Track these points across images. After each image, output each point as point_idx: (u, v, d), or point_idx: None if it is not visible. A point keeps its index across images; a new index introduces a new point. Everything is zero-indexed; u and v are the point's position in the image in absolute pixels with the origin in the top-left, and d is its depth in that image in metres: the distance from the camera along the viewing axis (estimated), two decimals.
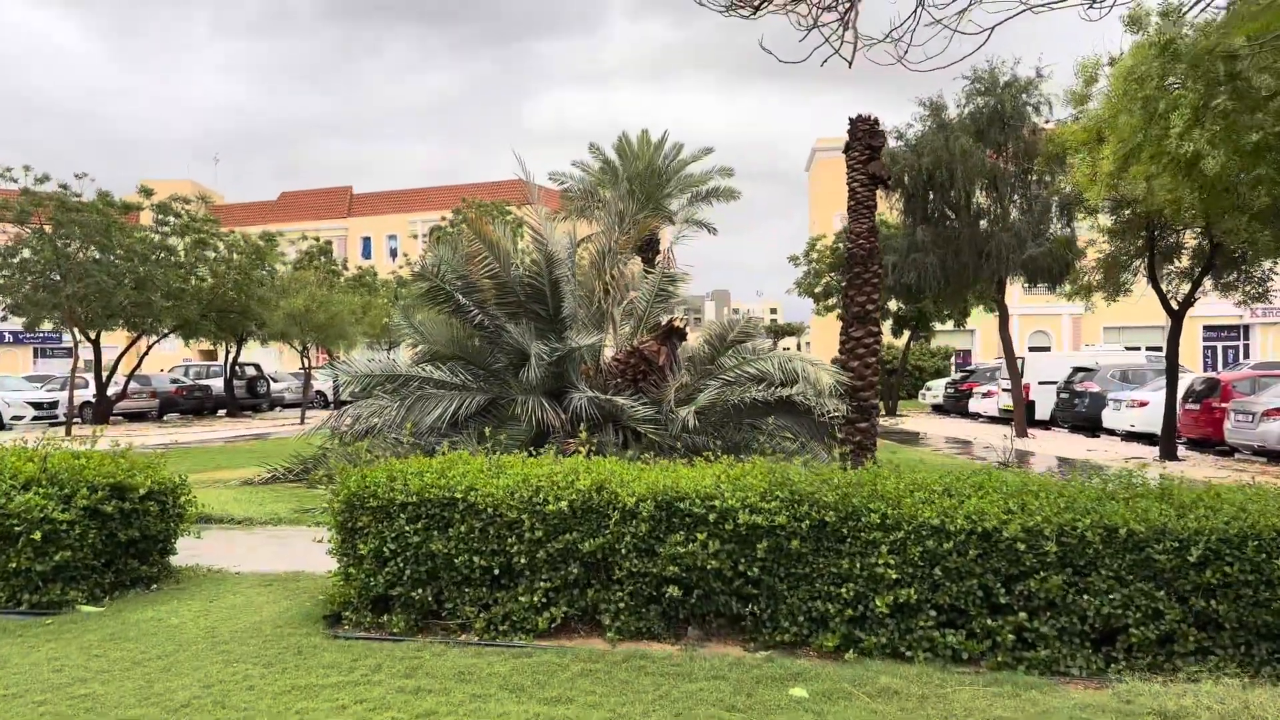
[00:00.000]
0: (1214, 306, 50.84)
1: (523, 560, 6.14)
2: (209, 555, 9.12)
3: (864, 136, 12.80)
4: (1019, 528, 5.65)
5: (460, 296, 13.41)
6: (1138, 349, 34.23)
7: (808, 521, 5.82)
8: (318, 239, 44.35)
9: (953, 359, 48.06)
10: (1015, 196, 21.77)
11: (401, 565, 6.36)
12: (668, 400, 12.43)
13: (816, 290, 31.18)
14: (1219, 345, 51.31)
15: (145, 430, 27.69)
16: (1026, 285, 22.87)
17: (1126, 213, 16.44)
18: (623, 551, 6.00)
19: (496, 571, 6.22)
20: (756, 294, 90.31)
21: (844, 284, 13.07)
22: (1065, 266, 22.55)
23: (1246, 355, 49.80)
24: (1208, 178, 12.19)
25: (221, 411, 34.74)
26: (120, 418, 31.82)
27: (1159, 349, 40.79)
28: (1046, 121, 18.13)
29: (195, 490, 14.31)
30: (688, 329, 13.75)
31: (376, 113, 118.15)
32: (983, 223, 22.50)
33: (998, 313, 23.65)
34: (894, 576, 5.68)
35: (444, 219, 39.08)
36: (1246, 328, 51.99)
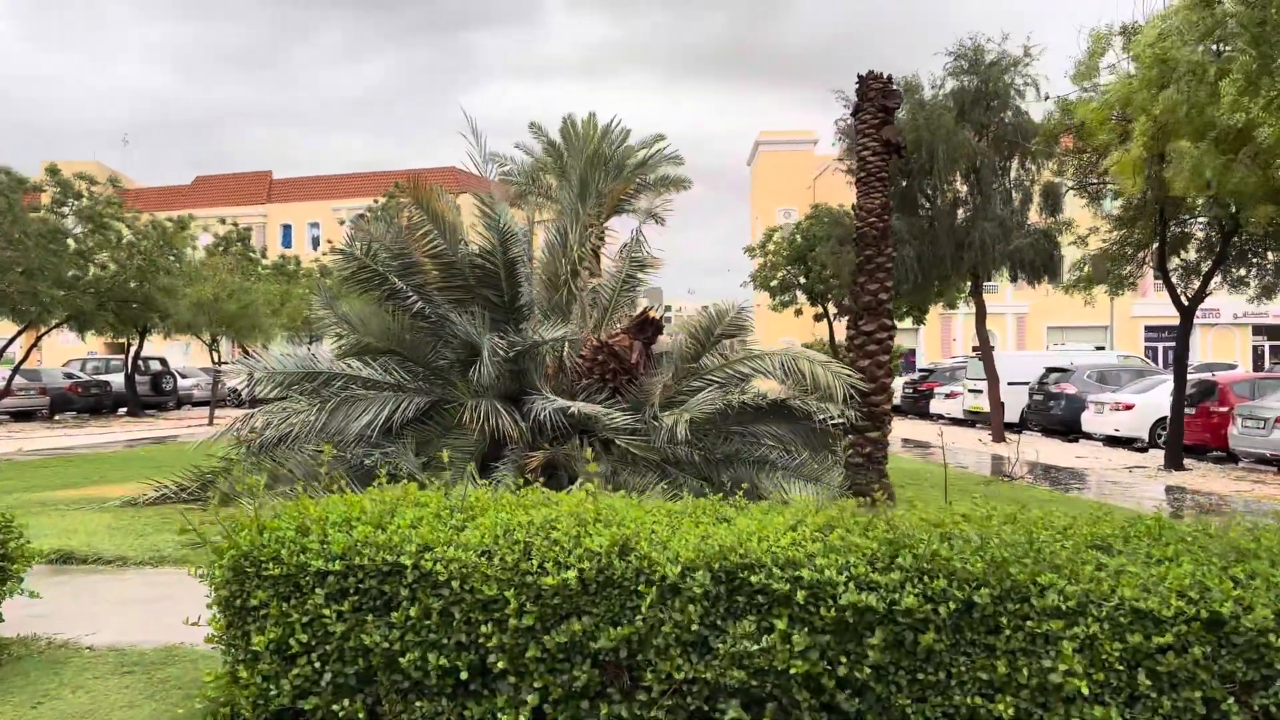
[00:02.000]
0: (1155, 306, 50.86)
1: (505, 659, 4.05)
2: (58, 615, 6.83)
3: (876, 97, 10.93)
4: (1272, 613, 3.74)
5: (396, 279, 11.18)
6: (1102, 348, 33.26)
7: (950, 604, 3.83)
8: (236, 224, 41.30)
9: (902, 358, 46.95)
10: (996, 184, 20.20)
11: (319, 665, 4.23)
12: (650, 405, 10.39)
13: (772, 284, 29.46)
14: (1159, 345, 51.14)
15: (30, 431, 24.67)
16: (1012, 278, 21.36)
17: (1137, 198, 14.90)
18: (660, 647, 3.96)
19: (464, 675, 4.11)
20: (689, 291, 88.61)
21: (854, 269, 11.20)
22: (1048, 259, 21.12)
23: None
24: (1262, 151, 10.61)
25: (122, 410, 31.64)
26: (5, 417, 28.59)
27: (1102, 348, 40.12)
28: (1046, 97, 16.64)
29: (66, 513, 11.90)
30: (661, 319, 11.71)
31: (306, 101, 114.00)
32: (960, 212, 20.90)
33: (974, 308, 22.14)
34: (1080, 687, 3.73)
35: (372, 207, 36.42)
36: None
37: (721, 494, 10.30)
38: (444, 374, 11.39)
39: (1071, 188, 16.28)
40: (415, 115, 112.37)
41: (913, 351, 50.79)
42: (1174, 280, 15.99)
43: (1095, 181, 16.02)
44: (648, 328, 11.56)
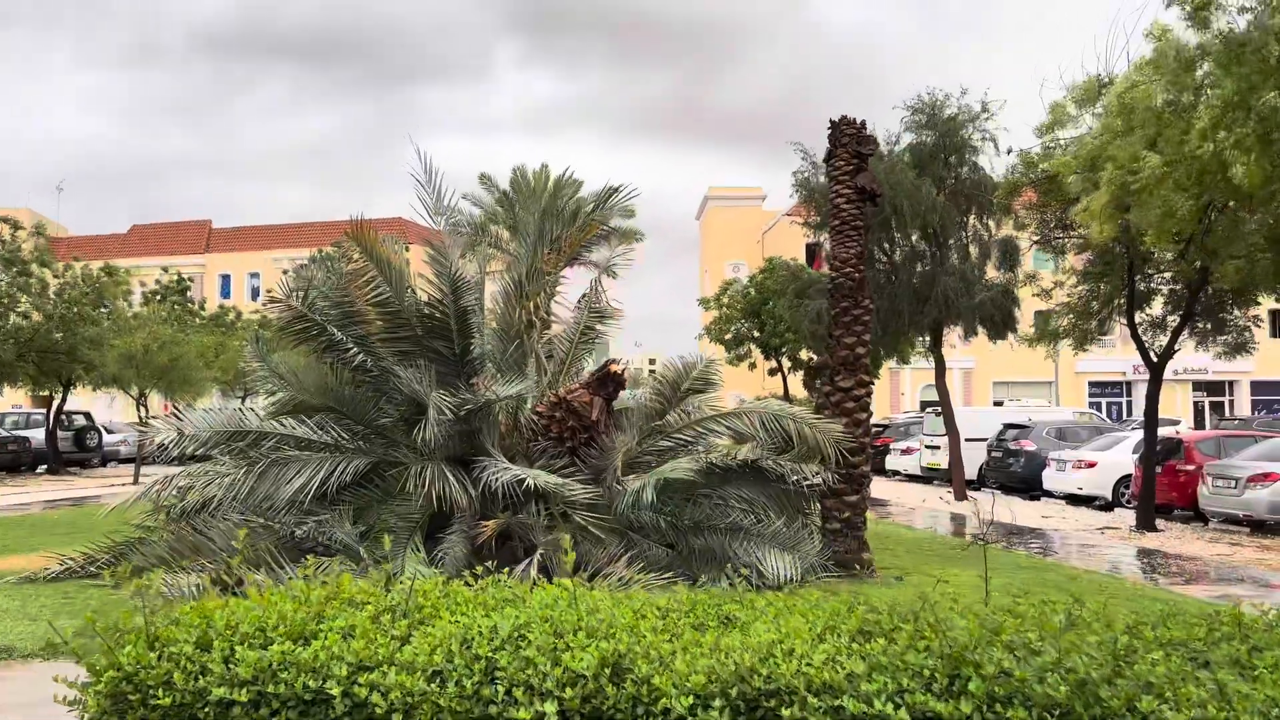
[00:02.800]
0: (1099, 362, 51.43)
1: None
2: None
3: (849, 143, 10.40)
4: None
5: (336, 330, 10.28)
6: (1045, 404, 33.13)
7: None
8: (178, 274, 39.89)
9: None
10: (954, 238, 19.91)
11: None
12: (612, 468, 9.57)
13: (727, 337, 28.89)
14: (1103, 400, 51.64)
15: None
16: (972, 333, 21.00)
17: (1105, 248, 14.59)
18: None
19: None
20: (635, 344, 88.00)
21: (830, 321, 10.55)
22: (1008, 314, 20.83)
23: (1130, 411, 50.17)
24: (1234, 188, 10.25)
25: (42, 468, 29.82)
26: None
27: (1044, 404, 40.17)
28: (1009, 150, 16.40)
29: None
30: (624, 374, 10.94)
31: (247, 153, 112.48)
32: (919, 266, 20.56)
33: (933, 362, 21.73)
34: None
35: (315, 256, 35.28)
36: (1129, 384, 52.56)
37: (689, 563, 9.49)
38: (386, 434, 10.47)
39: (1036, 242, 15.98)
40: (359, 168, 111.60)
41: None
42: (1141, 335, 15.67)
43: (1060, 236, 15.71)
44: (609, 383, 10.79)
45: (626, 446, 9.77)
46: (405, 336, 10.29)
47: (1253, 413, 48.44)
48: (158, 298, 35.21)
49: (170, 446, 10.00)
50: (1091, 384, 52.15)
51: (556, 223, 11.61)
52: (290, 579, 8.95)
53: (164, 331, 25.56)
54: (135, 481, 24.72)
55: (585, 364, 12.54)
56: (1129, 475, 19.60)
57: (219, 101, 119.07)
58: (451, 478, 8.99)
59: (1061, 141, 14.21)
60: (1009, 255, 20.11)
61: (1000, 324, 21.01)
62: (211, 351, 29.26)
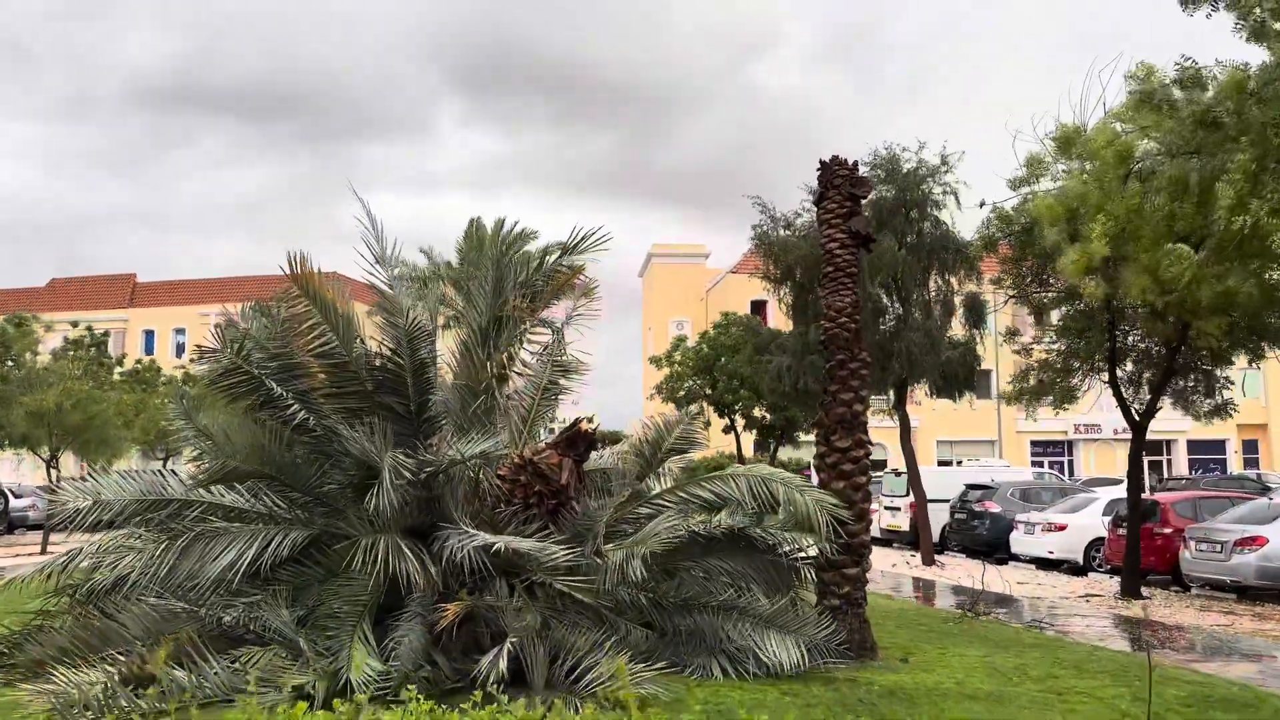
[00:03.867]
0: (1042, 422, 51.66)
1: None
2: None
3: (842, 184, 9.66)
4: None
5: (274, 384, 9.11)
6: (1005, 464, 32.75)
7: None
8: (90, 328, 37.82)
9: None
10: (916, 294, 19.41)
11: None
12: (594, 536, 8.51)
13: (680, 395, 28.02)
14: (1045, 460, 51.82)
15: None
16: (935, 391, 20.42)
17: (1082, 305, 14.09)
18: None
19: None
20: (574, 402, 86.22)
21: (824, 376, 9.70)
22: (970, 372, 20.34)
23: (1072, 470, 50.39)
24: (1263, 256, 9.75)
25: None
26: None
27: (1005, 464, 40.00)
28: (981, 204, 15.95)
29: None
30: (596, 433, 9.94)
31: (181, 208, 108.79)
32: (882, 322, 19.99)
33: (897, 422, 21.08)
34: None
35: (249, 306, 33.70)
36: (1071, 443, 52.97)
37: (674, 648, 8.40)
38: (329, 501, 9.29)
39: (1012, 296, 15.50)
40: (297, 224, 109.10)
41: (809, 466, 50.06)
42: (1119, 394, 15.17)
43: (1038, 291, 15.21)
44: (580, 442, 9.78)
45: (608, 512, 8.72)
46: (353, 391, 9.15)
47: (1190, 472, 49.01)
48: (70, 352, 33.17)
49: (84, 515, 8.67)
50: (1034, 443, 52.37)
51: (520, 270, 10.62)
52: (215, 674, 7.68)
53: (79, 388, 23.79)
54: (43, 551, 22.76)
55: (548, 421, 11.53)
56: (1100, 538, 19.07)
57: (153, 155, 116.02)
58: (409, 552, 7.82)
59: (1039, 193, 13.73)
60: (975, 311, 19.66)
61: (964, 381, 20.50)
62: (131, 410, 27.48)
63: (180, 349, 58.70)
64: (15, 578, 9.31)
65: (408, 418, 9.09)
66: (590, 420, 9.94)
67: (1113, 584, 16.74)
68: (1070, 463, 51.91)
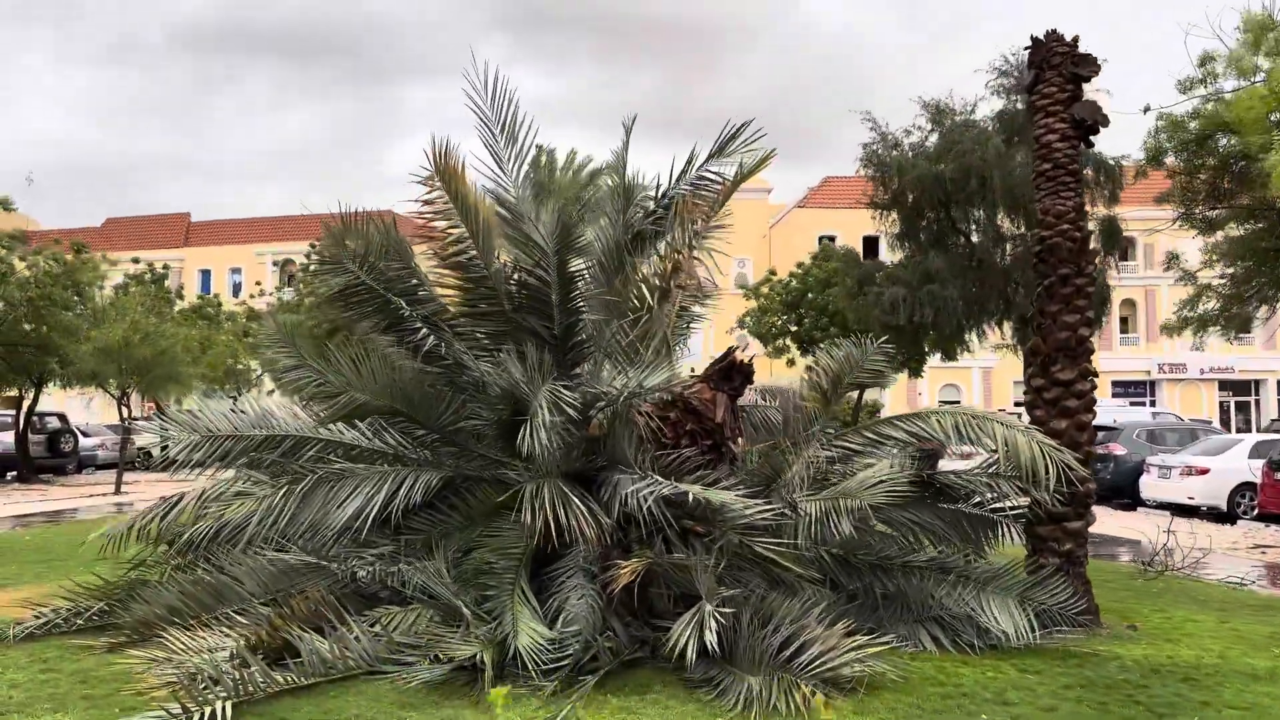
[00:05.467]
0: (1121, 361, 49.57)
1: None
2: None
3: (1062, 64, 8.10)
4: None
5: (402, 303, 7.83)
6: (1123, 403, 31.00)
7: None
8: (151, 265, 37.12)
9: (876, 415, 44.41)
10: None
11: None
12: (787, 484, 7.20)
13: (771, 330, 26.57)
14: (1126, 401, 49.70)
15: None
16: None
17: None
18: None
19: None
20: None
21: (1036, 293, 8.22)
22: (1103, 302, 18.63)
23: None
24: None
25: (11, 475, 27.01)
26: None
27: (1122, 404, 38.07)
28: (1146, 109, 14.10)
29: None
30: (749, 361, 8.59)
31: (227, 152, 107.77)
32: (1007, 248, 18.32)
33: (1021, 356, 19.46)
34: None
35: (310, 253, 32.62)
36: (1154, 383, 50.76)
37: (869, 615, 7.12)
38: (458, 440, 8.06)
39: (1182, 214, 13.77)
40: (341, 167, 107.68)
41: (879, 409, 48.43)
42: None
43: (1213, 207, 13.47)
44: (735, 374, 8.45)
45: (808, 455, 7.41)
46: (491, 312, 7.91)
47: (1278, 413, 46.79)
48: (132, 288, 32.40)
49: (192, 452, 7.55)
50: (1115, 383, 50.19)
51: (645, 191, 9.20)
52: (359, 641, 6.55)
53: (147, 322, 22.89)
54: (117, 491, 22.13)
55: (678, 354, 10.20)
56: (1247, 483, 17.48)
57: (198, 100, 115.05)
58: (575, 500, 6.58)
59: (1227, 92, 11.96)
60: (1110, 237, 17.89)
61: (1097, 313, 18.80)
62: (197, 346, 26.62)
63: (237, 289, 58.18)
64: (112, 524, 8.23)
65: (551, 343, 7.81)
66: (741, 349, 8.61)
67: (1273, 533, 15.22)
68: (1152, 402, 49.72)
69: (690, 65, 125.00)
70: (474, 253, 7.62)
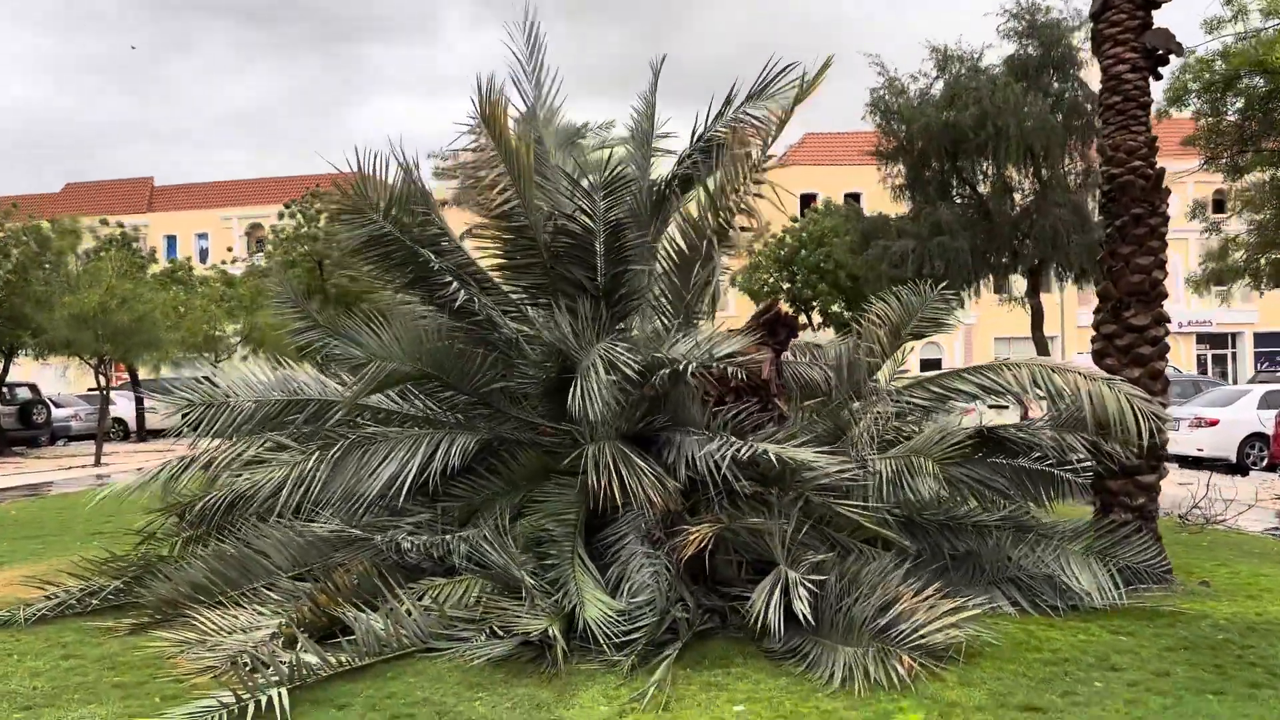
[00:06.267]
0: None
1: None
2: None
3: None
4: None
5: (430, 255, 7.28)
6: None
7: None
8: (120, 225, 36.00)
9: None
10: (1069, 166, 17.28)
11: None
12: (853, 442, 6.78)
13: (763, 288, 26.11)
14: None
15: None
16: (1065, 277, 18.46)
17: None
18: None
19: None
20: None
21: (1105, 233, 7.78)
22: None
23: None
24: None
25: None
26: None
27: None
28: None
29: None
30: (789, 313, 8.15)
31: (187, 116, 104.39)
32: (1017, 197, 17.97)
33: (1029, 311, 19.17)
34: None
35: (286, 213, 31.63)
36: None
37: (937, 576, 6.71)
38: (493, 401, 7.54)
39: (1209, 159, 13.40)
40: (304, 129, 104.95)
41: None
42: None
43: (1240, 152, 13.11)
44: (780, 328, 8.01)
45: (876, 411, 6.98)
46: (530, 263, 7.35)
47: (1256, 365, 47.15)
48: (103, 252, 31.33)
49: (214, 418, 7.01)
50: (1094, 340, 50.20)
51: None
52: (412, 617, 6.07)
53: (122, 287, 22.02)
54: (97, 463, 21.38)
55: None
56: (1256, 434, 17.36)
57: (156, 63, 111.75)
58: (638, 462, 6.10)
59: (1257, 30, 11.54)
60: None
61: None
62: (174, 311, 25.77)
63: (204, 254, 56.79)
64: (124, 487, 7.66)
65: (596, 297, 7.29)
66: (781, 299, 8.13)
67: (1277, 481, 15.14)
68: None
69: (658, 20, 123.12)
70: (517, 201, 7.04)
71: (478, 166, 6.97)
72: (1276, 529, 10.57)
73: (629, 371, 6.24)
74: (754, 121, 8.28)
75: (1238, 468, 17.57)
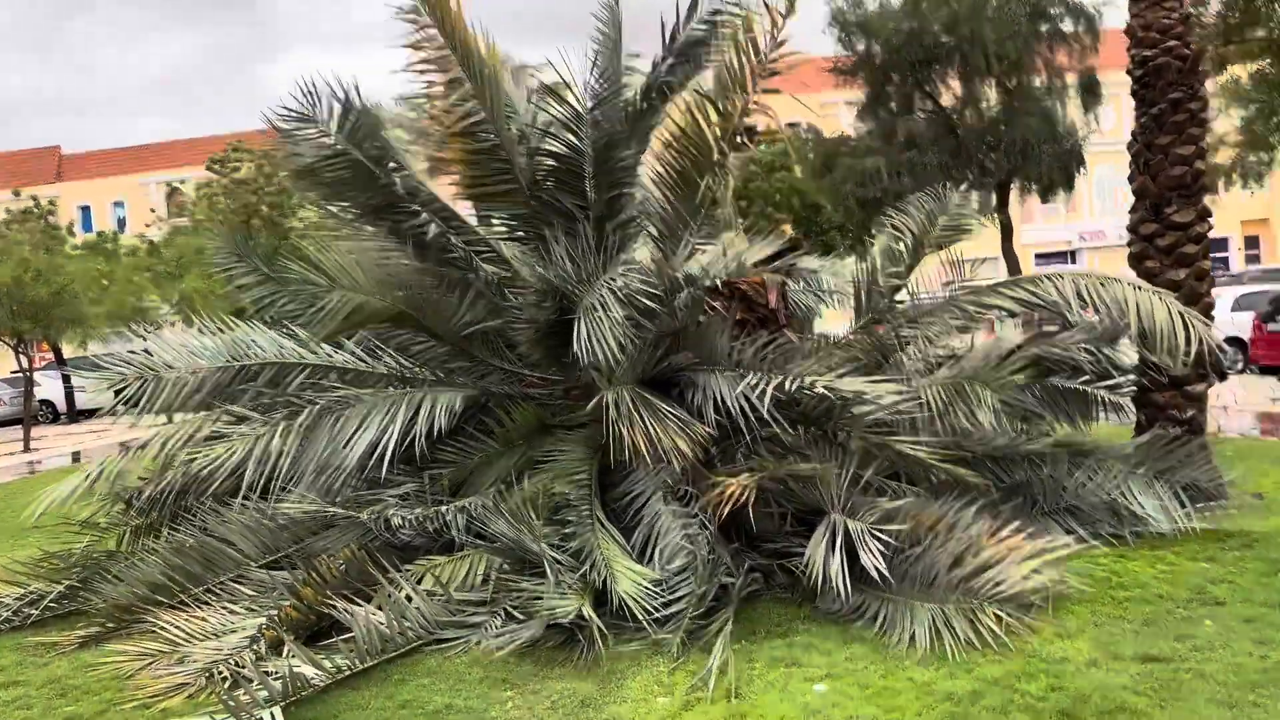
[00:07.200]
0: (1043, 232, 49.95)
1: None
2: None
3: None
4: None
5: (395, 180, 6.34)
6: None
7: None
8: (35, 198, 33.90)
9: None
10: (1040, 75, 16.65)
11: None
12: (897, 369, 6.09)
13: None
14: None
15: None
16: (1029, 190, 17.94)
17: None
18: None
19: None
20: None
21: (1139, 123, 7.06)
22: (1080, 163, 17.91)
23: None
24: None
25: None
26: None
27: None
28: None
29: None
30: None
31: (93, 82, 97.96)
32: (981, 108, 17.32)
33: (999, 227, 18.67)
34: None
35: (216, 167, 29.87)
36: (1075, 253, 51.32)
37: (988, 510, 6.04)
38: (476, 350, 6.68)
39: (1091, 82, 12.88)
40: (221, 89, 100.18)
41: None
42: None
43: (1231, 41, 12.51)
44: (785, 253, 7.28)
45: (924, 335, 6.26)
46: (508, 191, 6.43)
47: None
48: (14, 226, 29.39)
49: (147, 397, 6.06)
50: (1038, 255, 50.50)
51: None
52: (415, 608, 5.24)
53: (38, 259, 20.46)
54: (25, 449, 19.95)
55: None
56: (1233, 337, 17.10)
57: (57, 29, 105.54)
58: (666, 409, 5.31)
59: None
60: (1091, 92, 17.00)
61: (1069, 179, 18.05)
62: (97, 284, 24.17)
63: (122, 223, 54.11)
64: (67, 492, 6.66)
65: (589, 226, 6.41)
66: (791, 229, 7.37)
67: (1268, 384, 14.93)
68: None
69: None
70: (481, 115, 6.10)
71: (425, 71, 5.97)
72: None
73: (646, 302, 5.41)
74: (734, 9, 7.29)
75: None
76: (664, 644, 4.69)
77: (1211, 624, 4.57)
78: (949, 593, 4.73)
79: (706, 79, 6.79)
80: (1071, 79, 17.14)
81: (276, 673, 4.37)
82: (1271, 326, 15.81)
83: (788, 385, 5.09)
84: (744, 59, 6.03)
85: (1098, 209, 50.57)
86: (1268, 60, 12.23)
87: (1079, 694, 3.89)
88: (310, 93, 5.98)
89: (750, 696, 4.12)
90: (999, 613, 4.54)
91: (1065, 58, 16.91)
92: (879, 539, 4.74)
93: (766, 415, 5.23)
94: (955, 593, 4.71)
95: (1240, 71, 12.70)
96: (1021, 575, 4.74)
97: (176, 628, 5.20)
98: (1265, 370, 16.15)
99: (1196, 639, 4.38)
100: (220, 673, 4.65)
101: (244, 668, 4.64)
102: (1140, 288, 6.36)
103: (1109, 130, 16.49)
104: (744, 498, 5.18)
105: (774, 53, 6.09)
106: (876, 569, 4.65)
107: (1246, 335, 16.66)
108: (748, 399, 5.22)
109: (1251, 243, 52.91)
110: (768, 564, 5.48)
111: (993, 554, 4.84)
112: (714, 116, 6.01)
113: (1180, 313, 6.21)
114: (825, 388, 5.06)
